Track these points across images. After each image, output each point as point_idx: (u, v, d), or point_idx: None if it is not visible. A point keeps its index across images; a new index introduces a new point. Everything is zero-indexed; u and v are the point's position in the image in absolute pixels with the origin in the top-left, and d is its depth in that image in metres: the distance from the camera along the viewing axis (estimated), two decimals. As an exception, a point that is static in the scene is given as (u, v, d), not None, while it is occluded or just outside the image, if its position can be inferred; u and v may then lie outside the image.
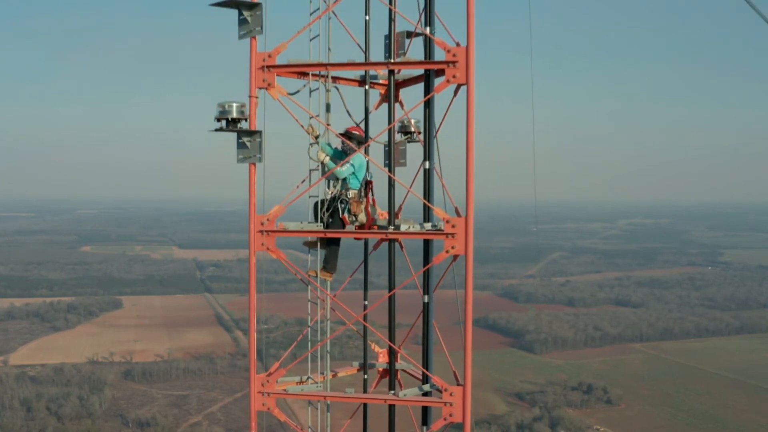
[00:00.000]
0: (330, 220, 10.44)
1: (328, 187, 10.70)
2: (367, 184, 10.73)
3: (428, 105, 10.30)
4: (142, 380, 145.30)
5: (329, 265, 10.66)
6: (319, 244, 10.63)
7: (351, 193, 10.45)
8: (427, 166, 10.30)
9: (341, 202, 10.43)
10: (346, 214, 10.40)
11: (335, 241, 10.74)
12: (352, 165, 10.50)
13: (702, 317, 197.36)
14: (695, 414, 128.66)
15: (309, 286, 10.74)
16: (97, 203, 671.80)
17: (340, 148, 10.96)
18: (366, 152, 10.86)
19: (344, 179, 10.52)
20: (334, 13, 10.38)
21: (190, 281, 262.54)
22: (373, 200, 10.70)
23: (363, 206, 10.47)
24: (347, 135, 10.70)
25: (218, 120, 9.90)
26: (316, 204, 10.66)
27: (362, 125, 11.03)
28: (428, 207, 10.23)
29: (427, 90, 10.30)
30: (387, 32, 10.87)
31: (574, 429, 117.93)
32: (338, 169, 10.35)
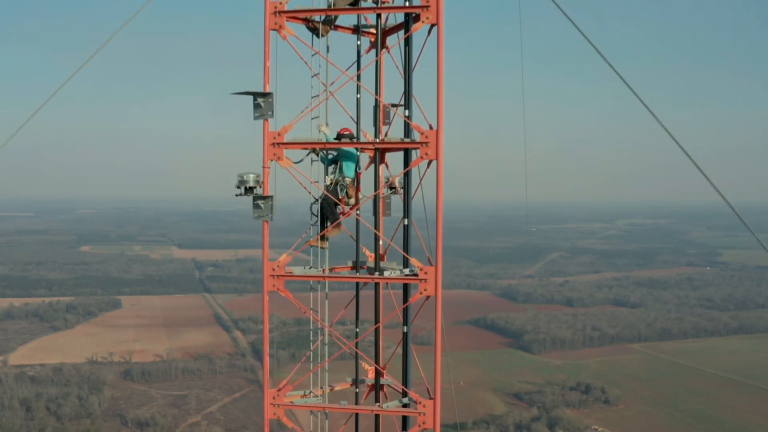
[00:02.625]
0: (329, 200, 12.92)
1: (327, 174, 13.12)
2: (357, 176, 13.16)
3: (407, 175, 12.66)
4: (142, 380, 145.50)
5: (324, 238, 13.04)
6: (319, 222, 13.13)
7: (347, 180, 12.79)
8: (405, 223, 12.72)
9: (340, 187, 12.81)
10: (344, 195, 12.85)
11: (329, 220, 13.07)
12: (349, 151, 12.89)
13: (700, 317, 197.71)
14: (693, 414, 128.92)
15: (311, 318, 13.32)
16: (97, 203, 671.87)
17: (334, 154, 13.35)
18: (358, 150, 13.21)
19: (341, 169, 12.81)
20: (332, 94, 12.69)
21: (189, 281, 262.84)
22: (358, 187, 13.07)
23: (355, 190, 12.92)
24: (339, 135, 12.87)
25: (238, 187, 12.34)
26: (320, 200, 13.01)
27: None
28: (406, 257, 12.66)
29: (406, 161, 12.66)
30: (377, 101, 13.11)
31: (572, 429, 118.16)
32: (345, 148, 12.75)
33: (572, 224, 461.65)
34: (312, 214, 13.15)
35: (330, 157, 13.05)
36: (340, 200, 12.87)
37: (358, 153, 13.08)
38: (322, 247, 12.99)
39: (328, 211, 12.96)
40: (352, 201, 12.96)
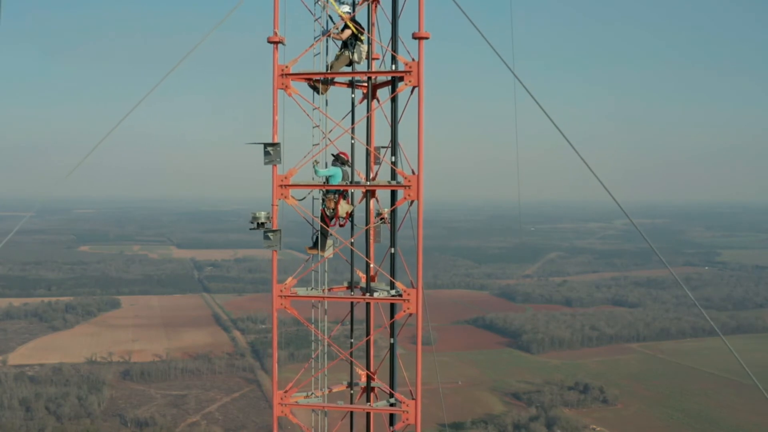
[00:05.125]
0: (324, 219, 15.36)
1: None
2: (341, 192, 15.25)
3: (393, 212, 14.94)
4: (141, 380, 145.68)
5: (321, 246, 15.23)
6: (318, 236, 15.40)
7: (328, 195, 15.02)
8: (392, 252, 14.89)
9: (322, 202, 15.10)
10: (324, 208, 15.06)
11: (325, 234, 15.29)
12: (331, 172, 14.96)
13: (698, 317, 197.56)
14: (691, 414, 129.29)
15: (312, 329, 15.53)
16: (95, 203, 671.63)
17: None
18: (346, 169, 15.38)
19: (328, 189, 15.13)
20: (332, 142, 15.00)
21: (187, 281, 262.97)
22: (339, 198, 15.09)
23: (335, 203, 15.00)
24: (337, 156, 15.20)
25: (251, 222, 14.58)
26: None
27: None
28: (392, 281, 14.98)
29: (393, 200, 14.89)
30: (370, 142, 15.43)
31: (570, 429, 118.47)
32: (320, 170, 14.91)
33: (570, 224, 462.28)
34: (312, 243, 15.38)
35: (322, 177, 15.12)
36: (321, 212, 15.13)
37: (342, 169, 15.11)
38: (321, 254, 15.20)
39: (323, 229, 15.24)
40: (340, 210, 15.08)
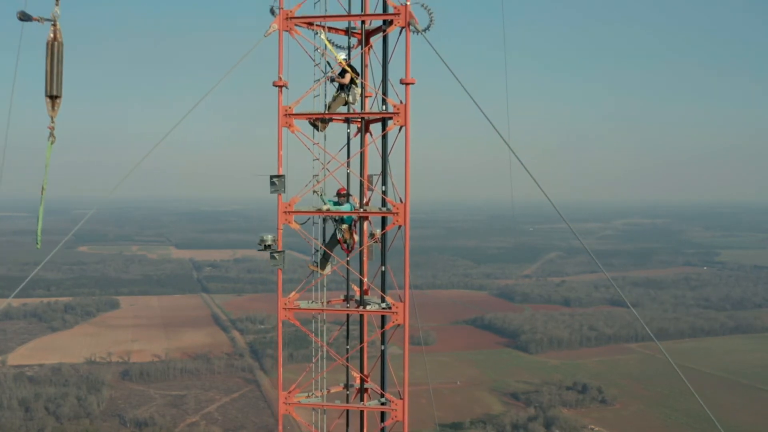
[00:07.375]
0: (332, 240, 17.13)
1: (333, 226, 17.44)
2: (353, 222, 17.11)
3: (384, 235, 16.74)
4: (140, 380, 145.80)
5: (321, 266, 17.12)
6: (320, 256, 17.24)
7: (344, 226, 16.93)
8: (383, 270, 16.64)
9: (338, 231, 16.93)
10: (341, 237, 16.94)
11: (326, 256, 17.18)
12: (344, 209, 16.70)
13: (697, 317, 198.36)
14: (689, 414, 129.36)
15: (312, 337, 17.34)
16: (94, 203, 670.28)
17: (335, 199, 17.24)
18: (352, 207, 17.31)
19: (341, 218, 16.87)
20: (331, 173, 16.72)
21: (187, 281, 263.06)
22: (354, 230, 17.03)
23: (350, 234, 16.93)
24: (338, 194, 16.96)
25: (259, 244, 16.22)
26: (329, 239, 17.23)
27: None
28: (383, 296, 16.84)
29: (383, 225, 16.75)
30: (364, 173, 17.54)
31: (569, 429, 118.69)
32: (330, 206, 16.63)
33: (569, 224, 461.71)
34: (314, 261, 17.11)
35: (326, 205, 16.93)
36: (339, 241, 17.02)
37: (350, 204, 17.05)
38: (321, 272, 17.05)
39: (330, 245, 17.06)
40: (350, 241, 17.00)
